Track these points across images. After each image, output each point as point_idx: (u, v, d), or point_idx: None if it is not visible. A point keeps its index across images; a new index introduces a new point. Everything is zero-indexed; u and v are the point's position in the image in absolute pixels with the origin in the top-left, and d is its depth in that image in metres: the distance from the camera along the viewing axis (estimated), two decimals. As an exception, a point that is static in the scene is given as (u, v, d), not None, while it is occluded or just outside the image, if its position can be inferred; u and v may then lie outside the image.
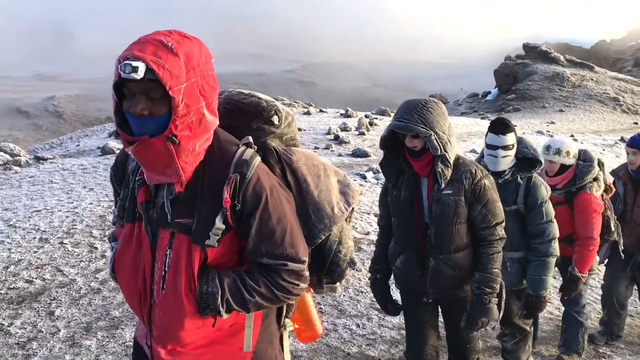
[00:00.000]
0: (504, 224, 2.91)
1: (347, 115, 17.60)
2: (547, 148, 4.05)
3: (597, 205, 3.97)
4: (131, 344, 4.06)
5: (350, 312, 4.85)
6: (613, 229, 4.26)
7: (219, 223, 1.69)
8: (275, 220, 1.76)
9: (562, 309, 5.39)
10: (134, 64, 1.50)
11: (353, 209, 2.16)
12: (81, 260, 5.55)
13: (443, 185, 2.77)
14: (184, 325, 1.75)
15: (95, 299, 4.78)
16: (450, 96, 49.28)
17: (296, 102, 21.43)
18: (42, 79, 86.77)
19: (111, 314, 4.53)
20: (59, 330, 4.24)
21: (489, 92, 37.22)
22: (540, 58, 35.77)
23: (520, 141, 3.53)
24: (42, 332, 4.23)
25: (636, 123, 27.43)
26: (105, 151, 11.51)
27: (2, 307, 4.57)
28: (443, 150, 2.70)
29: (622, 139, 15.25)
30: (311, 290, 2.20)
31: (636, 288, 5.07)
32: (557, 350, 4.48)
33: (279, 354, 2.04)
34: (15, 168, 10.25)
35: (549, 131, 20.81)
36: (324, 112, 19.41)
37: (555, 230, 3.46)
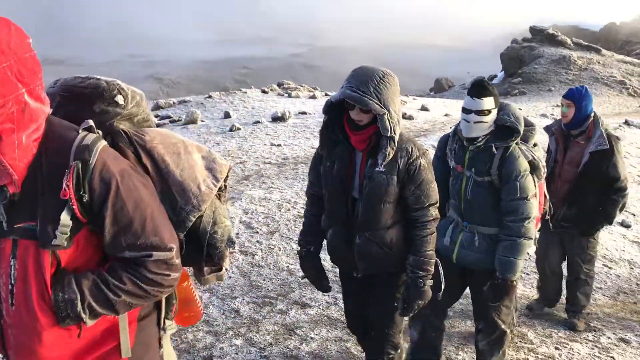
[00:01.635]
0: (437, 204, 2.81)
1: (352, 99, 17.67)
2: None
3: None
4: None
5: (350, 287, 5.06)
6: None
7: (65, 219, 1.49)
8: (131, 207, 1.59)
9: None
10: None
11: (226, 186, 2.06)
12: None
13: (382, 166, 2.62)
14: (42, 340, 1.56)
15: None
16: (457, 80, 49.02)
17: (302, 86, 21.52)
18: (49, 63, 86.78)
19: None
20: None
21: (495, 76, 37.08)
22: (547, 41, 35.52)
23: (502, 107, 3.24)
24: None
25: (643, 106, 27.36)
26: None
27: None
28: (393, 132, 2.56)
29: (626, 122, 15.24)
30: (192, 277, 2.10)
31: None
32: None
33: (158, 357, 1.89)
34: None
35: (553, 114, 20.79)
36: (329, 95, 19.49)
37: (530, 209, 3.17)
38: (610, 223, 4.71)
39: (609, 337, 4.65)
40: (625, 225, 8.10)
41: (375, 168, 2.64)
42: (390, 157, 2.61)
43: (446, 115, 15.37)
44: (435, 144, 3.35)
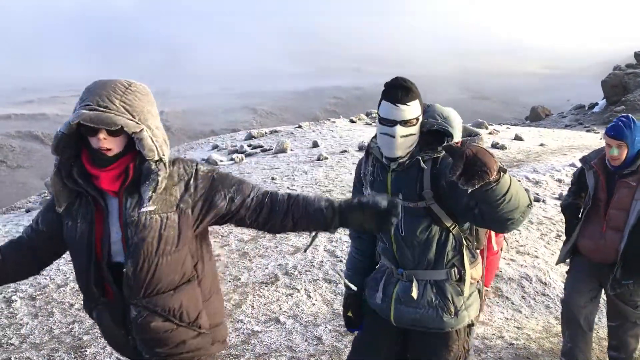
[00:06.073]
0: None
1: (441, 129, 17.49)
2: None
3: None
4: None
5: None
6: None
7: None
8: None
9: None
10: None
11: None
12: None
13: (151, 202, 1.94)
14: None
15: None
16: (554, 108, 47.09)
17: (390, 116, 21.59)
18: (160, 95, 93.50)
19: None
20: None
21: (596, 104, 35.24)
22: (654, 67, 33.44)
23: (426, 110, 2.51)
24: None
25: None
26: (209, 162, 12.36)
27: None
28: (161, 153, 1.95)
29: None
30: None
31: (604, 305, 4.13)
32: None
33: None
34: (130, 177, 11.33)
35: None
36: (417, 125, 19.39)
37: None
38: None
39: None
40: None
41: (140, 208, 1.94)
42: (163, 186, 1.97)
43: (541, 145, 14.78)
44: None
